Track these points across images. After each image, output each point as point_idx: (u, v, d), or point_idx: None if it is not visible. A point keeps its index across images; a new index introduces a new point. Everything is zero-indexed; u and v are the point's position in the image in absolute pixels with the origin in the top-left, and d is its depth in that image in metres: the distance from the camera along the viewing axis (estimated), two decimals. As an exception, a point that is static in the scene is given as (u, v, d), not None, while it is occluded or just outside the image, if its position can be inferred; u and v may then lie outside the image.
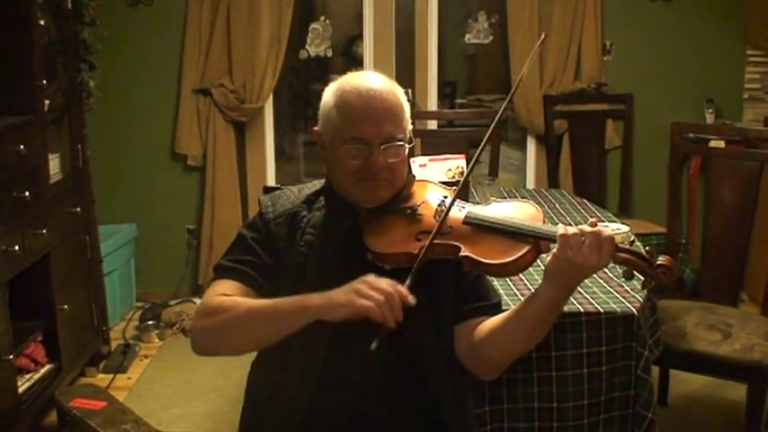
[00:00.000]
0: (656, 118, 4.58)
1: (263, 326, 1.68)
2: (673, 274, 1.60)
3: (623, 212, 4.52)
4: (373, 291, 1.56)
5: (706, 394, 3.51)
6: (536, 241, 1.66)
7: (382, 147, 1.75)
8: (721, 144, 4.05)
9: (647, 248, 1.63)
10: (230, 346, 1.78)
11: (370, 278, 1.59)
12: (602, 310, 2.17)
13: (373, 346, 1.55)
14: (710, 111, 4.61)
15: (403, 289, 1.57)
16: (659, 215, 4.01)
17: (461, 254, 1.67)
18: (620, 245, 1.62)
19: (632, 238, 1.66)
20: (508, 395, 2.17)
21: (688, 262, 3.51)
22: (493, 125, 1.87)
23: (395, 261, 1.72)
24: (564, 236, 1.58)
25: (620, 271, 1.65)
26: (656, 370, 2.57)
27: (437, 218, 1.75)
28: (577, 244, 1.57)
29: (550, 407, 2.16)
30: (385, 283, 1.57)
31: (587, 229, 1.58)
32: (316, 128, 1.85)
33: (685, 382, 3.48)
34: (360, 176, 1.76)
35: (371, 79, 1.80)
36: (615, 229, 2.58)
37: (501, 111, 1.86)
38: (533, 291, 1.69)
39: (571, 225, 1.63)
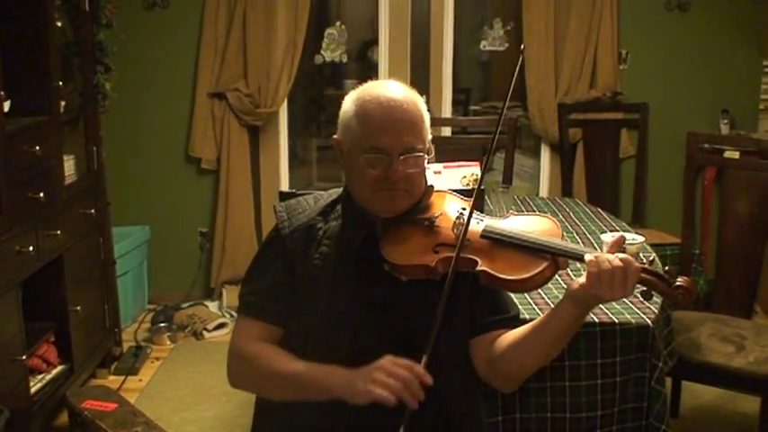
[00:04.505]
0: (671, 128, 4.56)
1: (289, 390, 1.76)
2: (691, 295, 1.61)
3: (637, 222, 4.50)
4: (390, 378, 1.57)
5: (718, 406, 3.49)
6: (554, 257, 1.65)
7: (402, 157, 1.74)
8: (736, 155, 4.03)
9: (666, 268, 1.63)
10: (263, 395, 1.90)
11: (387, 363, 1.60)
12: (616, 321, 2.16)
13: None
14: (725, 121, 4.59)
15: (421, 370, 1.58)
16: (673, 225, 3.99)
17: (478, 268, 1.66)
18: (641, 265, 1.60)
19: (652, 257, 1.65)
20: (521, 405, 2.16)
21: (702, 273, 3.49)
22: (496, 134, 1.86)
23: (412, 273, 1.72)
24: (595, 273, 1.57)
25: (639, 291, 1.64)
26: (668, 381, 2.56)
27: (455, 230, 1.74)
28: (609, 282, 1.56)
29: (563, 417, 2.16)
30: (402, 367, 1.58)
31: (617, 263, 1.56)
32: (335, 136, 1.85)
33: (697, 394, 3.46)
34: (378, 186, 1.76)
35: (392, 89, 1.79)
36: (630, 239, 2.57)
37: (501, 117, 1.84)
38: (553, 307, 1.68)
39: (591, 244, 1.62)
